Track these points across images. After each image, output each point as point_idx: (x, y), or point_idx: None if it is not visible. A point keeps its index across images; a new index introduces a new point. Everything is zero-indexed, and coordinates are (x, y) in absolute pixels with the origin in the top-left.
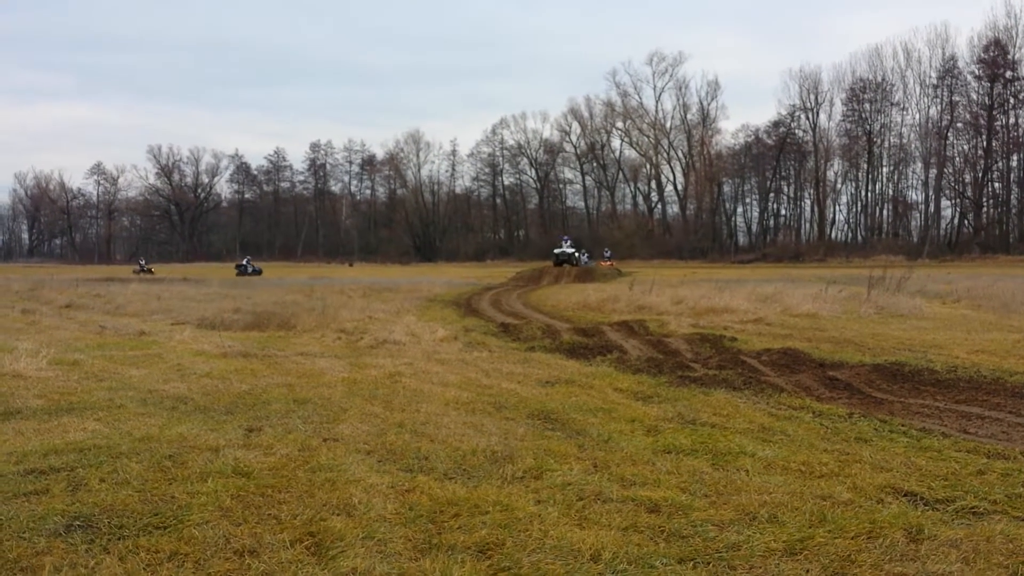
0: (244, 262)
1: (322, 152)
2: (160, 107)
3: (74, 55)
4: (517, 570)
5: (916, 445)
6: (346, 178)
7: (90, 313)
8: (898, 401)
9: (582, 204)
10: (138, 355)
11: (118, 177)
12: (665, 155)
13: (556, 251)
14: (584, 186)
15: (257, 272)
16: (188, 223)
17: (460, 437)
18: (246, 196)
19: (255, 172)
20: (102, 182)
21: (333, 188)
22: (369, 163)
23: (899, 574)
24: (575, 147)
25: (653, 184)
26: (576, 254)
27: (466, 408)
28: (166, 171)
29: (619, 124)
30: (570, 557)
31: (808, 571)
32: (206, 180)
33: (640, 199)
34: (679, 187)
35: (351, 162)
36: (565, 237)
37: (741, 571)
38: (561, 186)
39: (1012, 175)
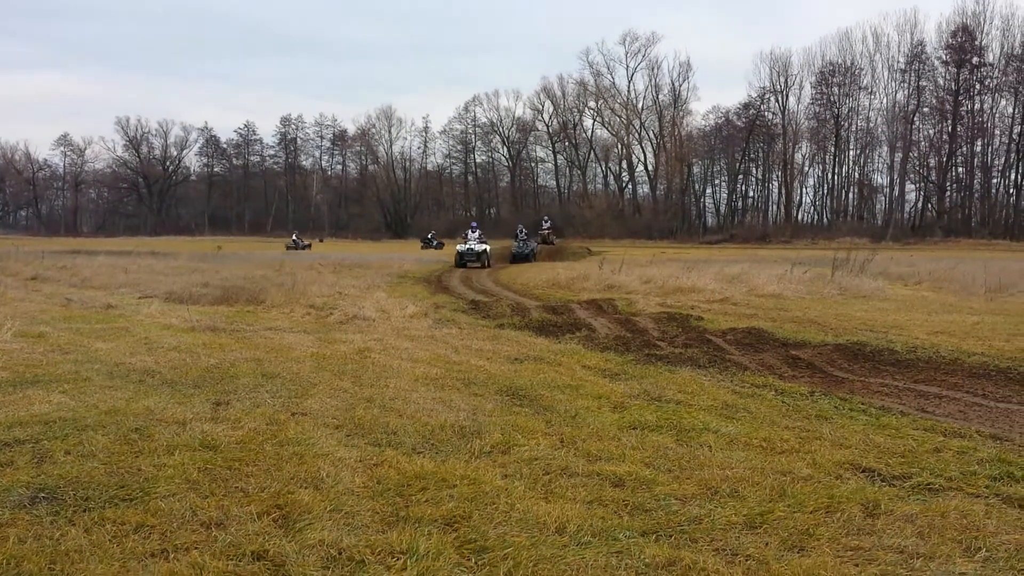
0: (430, 236)
1: (293, 126)
2: (129, 79)
3: (41, 24)
4: (483, 542)
5: (875, 423)
6: (317, 153)
7: (56, 285)
8: (858, 380)
9: (553, 183)
10: (105, 328)
11: (85, 149)
12: (636, 135)
13: (460, 248)
14: (556, 165)
15: (440, 246)
16: (156, 196)
17: (429, 412)
18: (215, 170)
19: (225, 145)
20: (68, 153)
21: (304, 163)
22: (340, 138)
23: (856, 548)
24: (547, 126)
25: (624, 164)
26: (488, 249)
27: (435, 384)
28: (134, 143)
29: (591, 104)
30: (535, 529)
31: (768, 544)
32: (175, 153)
33: (611, 179)
34: (650, 167)
35: (322, 137)
36: (474, 224)
37: (702, 544)
38: (533, 164)
39: (976, 160)
